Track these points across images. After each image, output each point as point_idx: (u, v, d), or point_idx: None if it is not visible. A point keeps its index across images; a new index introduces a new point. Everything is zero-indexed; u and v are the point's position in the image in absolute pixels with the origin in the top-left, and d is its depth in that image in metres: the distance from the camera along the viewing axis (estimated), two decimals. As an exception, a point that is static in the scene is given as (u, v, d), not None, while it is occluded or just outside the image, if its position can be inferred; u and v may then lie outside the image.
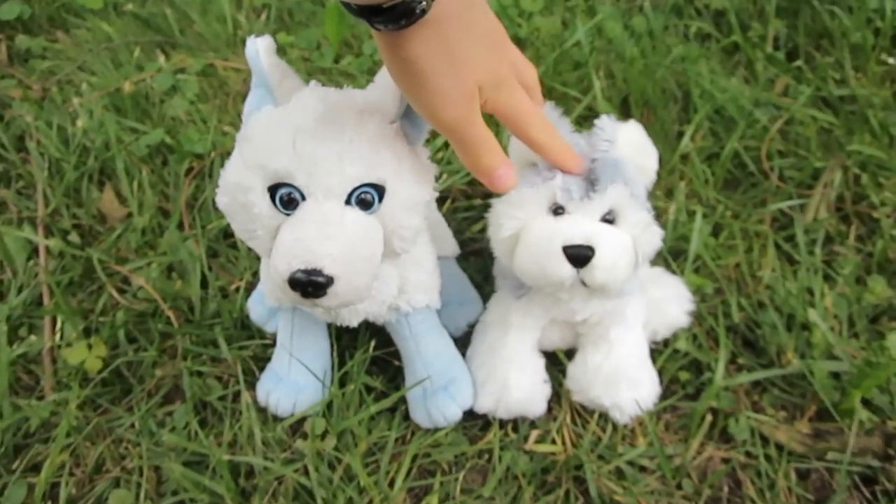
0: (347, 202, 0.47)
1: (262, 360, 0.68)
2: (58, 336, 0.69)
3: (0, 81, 0.98)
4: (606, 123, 0.59)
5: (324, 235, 0.45)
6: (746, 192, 0.85)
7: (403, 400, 0.66)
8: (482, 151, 0.48)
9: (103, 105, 0.92)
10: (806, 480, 0.64)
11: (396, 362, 0.67)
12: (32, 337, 0.68)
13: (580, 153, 0.57)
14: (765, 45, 0.99)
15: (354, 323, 0.59)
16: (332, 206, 0.46)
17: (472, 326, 0.71)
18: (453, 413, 0.64)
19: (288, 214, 0.47)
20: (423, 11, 0.39)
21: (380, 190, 0.48)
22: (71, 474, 0.60)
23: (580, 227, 0.56)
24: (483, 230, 0.82)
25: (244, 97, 0.95)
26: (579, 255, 0.55)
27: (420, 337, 0.64)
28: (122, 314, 0.71)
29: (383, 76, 0.48)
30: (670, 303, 0.69)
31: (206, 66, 0.97)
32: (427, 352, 0.64)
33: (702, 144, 0.87)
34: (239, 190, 0.47)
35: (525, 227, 0.58)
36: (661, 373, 0.68)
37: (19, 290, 0.73)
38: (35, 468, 0.61)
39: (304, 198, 0.47)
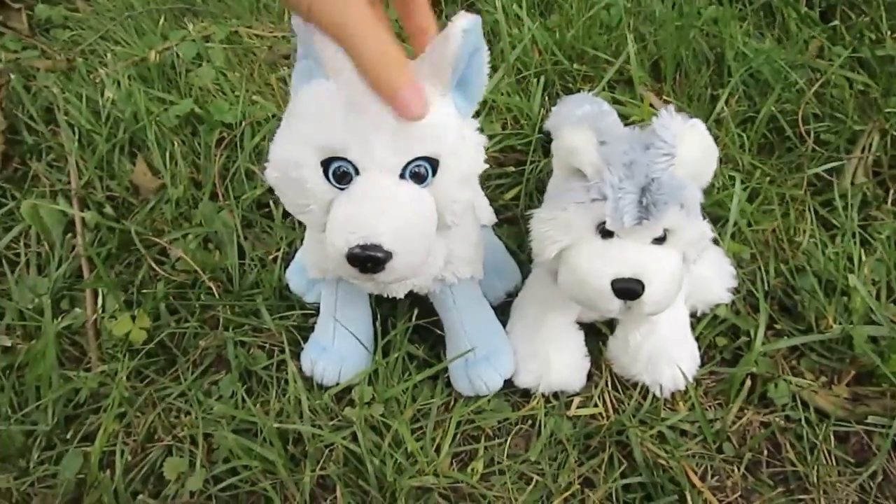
0: (402, 176, 0.47)
1: (304, 330, 0.68)
2: (100, 309, 0.70)
3: (23, 52, 0.97)
4: (667, 129, 0.53)
5: (380, 211, 0.45)
6: (782, 156, 0.84)
7: (445, 368, 0.66)
8: (382, 64, 0.41)
9: (129, 75, 0.91)
10: (846, 444, 0.65)
11: (437, 331, 0.68)
12: (77, 309, 0.69)
13: (634, 161, 0.52)
14: (798, 5, 0.97)
15: (401, 294, 0.59)
16: (387, 180, 0.46)
17: (510, 295, 0.71)
18: (495, 382, 0.64)
19: (342, 189, 0.47)
20: None
21: (433, 163, 0.47)
22: (124, 443, 0.61)
23: (631, 257, 0.53)
24: (516, 197, 0.81)
25: (270, 65, 0.95)
26: (629, 291, 0.52)
27: (463, 307, 0.64)
28: (162, 286, 0.71)
29: (435, 49, 0.47)
30: (713, 280, 0.68)
31: (231, 34, 0.96)
32: (470, 322, 0.65)
33: (736, 108, 0.86)
34: (290, 165, 0.46)
35: (570, 248, 0.55)
36: (698, 339, 0.68)
37: (59, 264, 0.73)
38: (87, 438, 0.62)
39: (357, 172, 0.46)
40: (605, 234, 0.54)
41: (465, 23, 0.45)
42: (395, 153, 0.45)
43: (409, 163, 0.46)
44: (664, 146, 0.53)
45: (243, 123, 0.85)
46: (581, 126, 0.55)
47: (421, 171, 0.47)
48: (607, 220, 0.53)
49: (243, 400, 0.64)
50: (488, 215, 0.76)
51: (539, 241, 0.57)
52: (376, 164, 0.45)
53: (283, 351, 0.66)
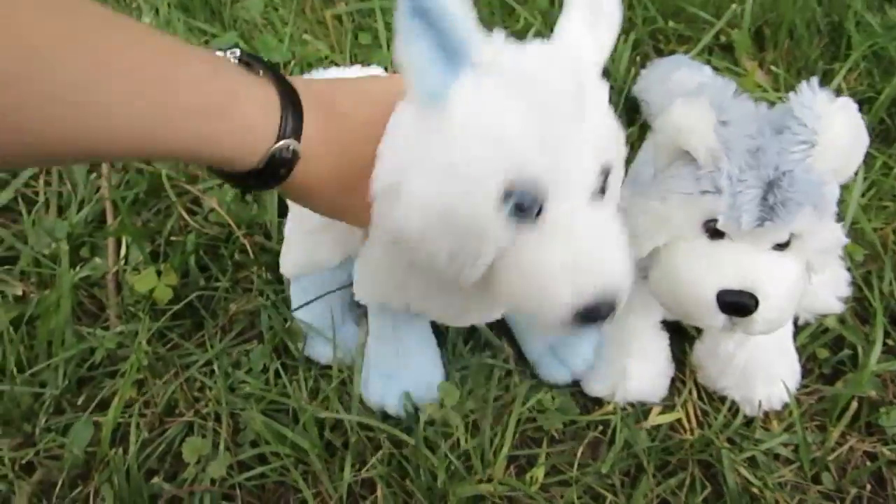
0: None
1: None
2: (122, 260, 0.62)
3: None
4: (808, 109, 0.42)
5: (607, 250, 0.35)
6: (903, 145, 0.73)
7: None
8: None
9: (169, 2, 0.82)
10: (968, 486, 0.55)
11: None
12: (97, 259, 0.61)
13: (761, 148, 0.42)
14: (930, -26, 0.85)
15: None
16: (588, 207, 0.35)
17: None
18: (588, 355, 0.57)
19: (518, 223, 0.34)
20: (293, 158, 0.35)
21: (607, 172, 0.37)
22: (141, 414, 0.54)
23: (743, 265, 0.43)
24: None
25: (325, 1, 0.85)
26: (738, 306, 0.43)
27: None
28: (192, 238, 0.63)
29: None
30: (824, 285, 0.58)
31: (283, -36, 0.86)
32: None
33: (855, 87, 0.75)
34: (459, 204, 0.34)
35: (668, 247, 0.46)
36: (799, 350, 0.59)
37: (80, 206, 0.66)
38: (101, 405, 0.55)
39: (540, 203, 0.34)
40: (714, 234, 0.44)
41: None
42: (593, 167, 0.34)
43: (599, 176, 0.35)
44: (802, 131, 0.42)
45: (292, 63, 0.76)
46: (697, 100, 0.45)
47: (602, 183, 0.36)
48: (720, 218, 0.43)
49: (277, 376, 0.56)
50: None
51: (629, 235, 0.48)
52: (573, 187, 0.34)
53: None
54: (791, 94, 0.44)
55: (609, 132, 0.36)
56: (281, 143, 0.34)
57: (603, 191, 0.36)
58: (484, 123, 0.33)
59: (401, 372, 0.53)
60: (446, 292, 0.44)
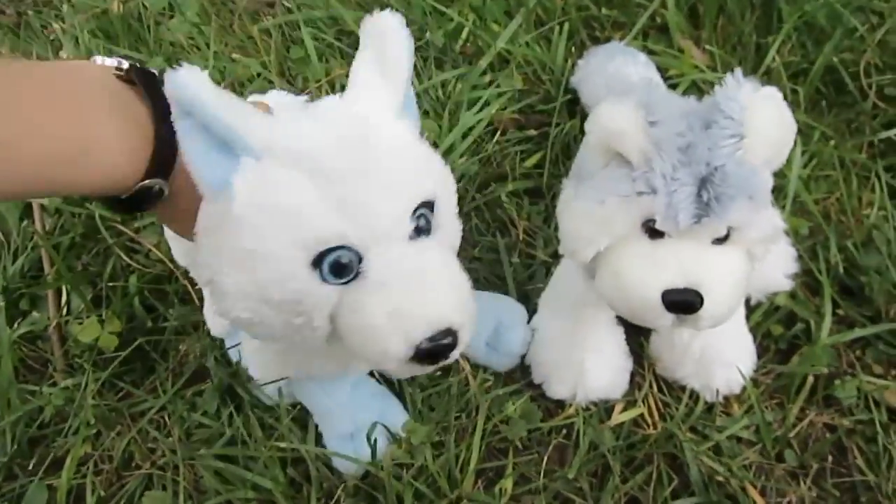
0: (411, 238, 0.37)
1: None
2: (64, 309, 0.60)
3: (-34, 5, 0.85)
4: (734, 101, 0.42)
5: (430, 288, 0.35)
6: (840, 114, 0.74)
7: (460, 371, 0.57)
8: None
9: (90, 30, 0.79)
10: (924, 448, 0.57)
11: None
12: (34, 313, 0.59)
13: (692, 144, 0.42)
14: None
15: None
16: (404, 249, 0.36)
17: None
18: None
19: (344, 283, 0.35)
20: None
21: (431, 206, 0.38)
22: (97, 472, 0.53)
23: (686, 263, 0.43)
24: (539, 164, 0.71)
25: (252, 16, 0.83)
26: (684, 304, 0.43)
27: None
28: (134, 280, 0.62)
29: (380, 51, 0.38)
30: (772, 265, 0.59)
31: (205, -20, 0.83)
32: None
33: (788, 59, 0.75)
34: (270, 286, 0.34)
35: (611, 249, 0.46)
36: (752, 329, 0.60)
37: (14, 257, 0.63)
38: (55, 464, 0.53)
39: (360, 255, 0.35)
40: (654, 233, 0.44)
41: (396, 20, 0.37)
42: (399, 212, 0.35)
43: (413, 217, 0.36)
44: (730, 125, 0.42)
45: (222, 84, 0.74)
46: (625, 103, 0.44)
47: (422, 222, 0.37)
48: (657, 218, 0.43)
49: (231, 416, 0.55)
50: None
51: (571, 240, 0.47)
52: (384, 237, 0.35)
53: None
54: (717, 87, 0.44)
55: (418, 168, 0.37)
56: (147, 181, 0.36)
57: (427, 228, 0.37)
58: (270, 203, 0.34)
59: (363, 424, 0.53)
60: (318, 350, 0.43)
